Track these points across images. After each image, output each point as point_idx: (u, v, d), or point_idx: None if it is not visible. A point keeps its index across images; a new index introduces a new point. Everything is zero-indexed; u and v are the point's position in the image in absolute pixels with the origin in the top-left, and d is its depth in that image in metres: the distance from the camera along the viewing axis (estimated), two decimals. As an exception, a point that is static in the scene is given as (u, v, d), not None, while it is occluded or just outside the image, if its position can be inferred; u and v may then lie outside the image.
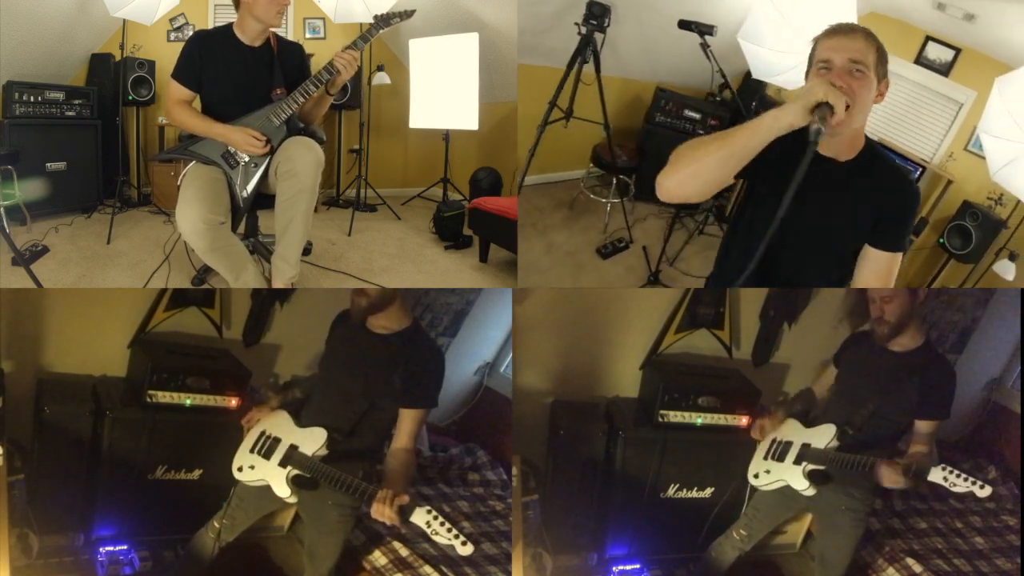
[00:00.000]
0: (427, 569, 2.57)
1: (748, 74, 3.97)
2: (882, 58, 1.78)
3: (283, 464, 2.25)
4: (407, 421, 2.22)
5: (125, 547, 2.62)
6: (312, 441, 2.24)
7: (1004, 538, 3.04)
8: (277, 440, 2.27)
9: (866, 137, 1.89)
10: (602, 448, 2.84)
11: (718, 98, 4.94)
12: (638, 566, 2.87)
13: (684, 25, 3.55)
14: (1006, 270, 3.78)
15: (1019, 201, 3.54)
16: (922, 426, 2.27)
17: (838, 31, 1.79)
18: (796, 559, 3.08)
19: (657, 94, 4.82)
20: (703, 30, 3.51)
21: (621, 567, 2.86)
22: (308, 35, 5.28)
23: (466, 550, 2.00)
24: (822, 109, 1.63)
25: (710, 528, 2.77)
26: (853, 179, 1.86)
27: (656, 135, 4.81)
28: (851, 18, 3.25)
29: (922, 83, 4.29)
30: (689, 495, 2.90)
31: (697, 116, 4.83)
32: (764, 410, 2.83)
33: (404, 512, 2.02)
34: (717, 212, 4.83)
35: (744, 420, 2.89)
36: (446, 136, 4.98)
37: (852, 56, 1.73)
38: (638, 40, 4.42)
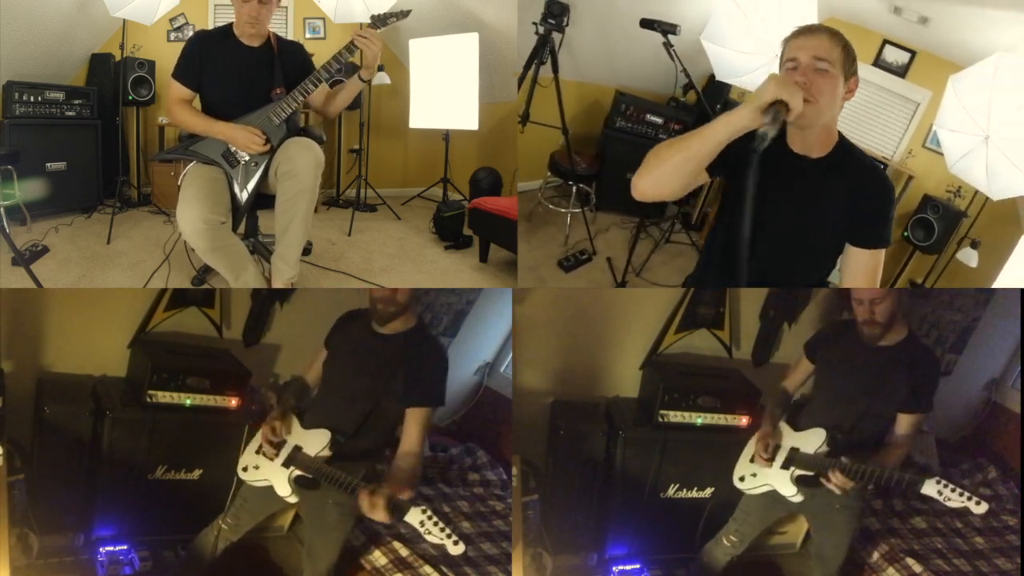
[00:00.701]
0: (427, 569, 2.57)
1: (712, 76, 3.97)
2: (849, 56, 1.80)
3: (286, 464, 2.26)
4: (413, 421, 2.20)
5: (125, 547, 2.62)
6: (316, 442, 2.25)
7: (1004, 538, 3.04)
8: (282, 442, 2.29)
9: (839, 134, 1.90)
10: (602, 448, 2.85)
11: (682, 100, 4.79)
12: (638, 566, 2.87)
13: (646, 24, 3.46)
14: (969, 257, 3.91)
15: (976, 191, 3.65)
16: (906, 419, 2.26)
17: (804, 31, 1.81)
18: (796, 559, 3.08)
19: (617, 98, 4.64)
20: (666, 29, 3.43)
21: (621, 567, 2.86)
22: (308, 35, 5.28)
23: (457, 549, 2.00)
24: (775, 108, 1.64)
25: (710, 528, 2.78)
26: (826, 175, 1.87)
27: (616, 140, 4.64)
28: (812, 17, 3.32)
29: (881, 84, 4.46)
30: (689, 495, 2.90)
31: (659, 120, 4.62)
32: (763, 414, 2.83)
33: (399, 511, 2.02)
34: (683, 219, 4.72)
35: (744, 420, 2.89)
36: (446, 136, 4.98)
37: (816, 54, 1.75)
38: (597, 41, 4.33)
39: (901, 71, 4.34)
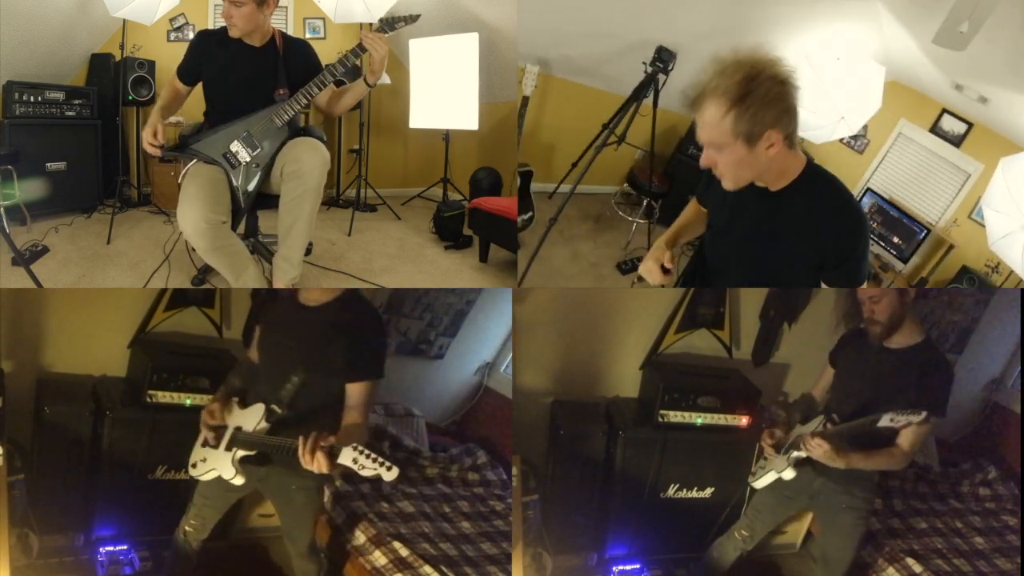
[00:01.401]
0: (427, 569, 2.57)
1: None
2: (744, 120, 1.61)
3: (228, 448, 2.21)
4: (354, 396, 2.13)
5: (125, 547, 2.63)
6: (251, 418, 2.19)
7: (1004, 538, 3.04)
8: (223, 427, 2.24)
9: (808, 164, 1.80)
10: (602, 448, 2.85)
11: None
12: (638, 566, 2.87)
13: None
14: None
15: (1012, 271, 3.64)
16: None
17: (693, 103, 1.68)
18: (796, 559, 3.08)
19: (692, 128, 4.86)
20: None
21: (621, 567, 2.86)
22: (308, 35, 5.28)
23: (391, 475, 1.92)
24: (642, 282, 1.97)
25: (710, 528, 2.78)
26: (783, 207, 1.81)
27: (684, 165, 4.95)
28: (877, 93, 3.65)
29: (934, 151, 4.57)
30: (689, 495, 2.90)
31: None
32: (770, 418, 2.83)
33: (331, 455, 1.96)
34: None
35: (744, 420, 2.90)
36: (446, 136, 4.98)
37: (705, 137, 1.70)
38: (681, 80, 4.59)
39: (956, 141, 4.41)
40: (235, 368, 2.40)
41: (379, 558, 2.62)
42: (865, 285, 1.92)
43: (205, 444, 2.27)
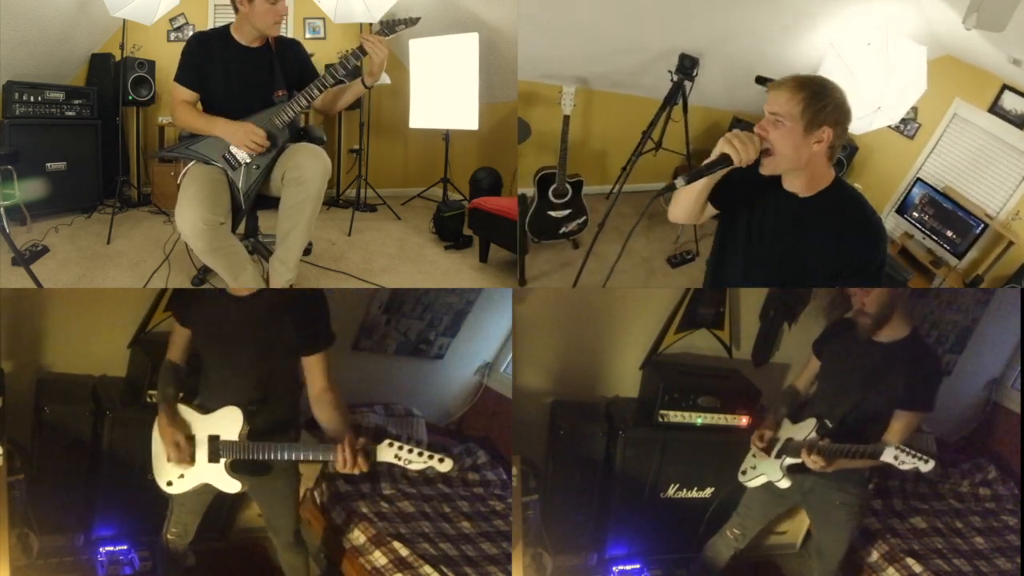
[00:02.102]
0: (427, 569, 2.57)
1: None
2: (813, 108, 1.85)
3: (213, 459, 2.17)
4: (314, 367, 2.17)
5: (125, 547, 2.63)
6: (228, 424, 2.16)
7: (1004, 538, 3.04)
8: (190, 438, 2.19)
9: (836, 179, 1.98)
10: (602, 448, 2.85)
11: None
12: (638, 566, 2.87)
13: (760, 81, 3.91)
14: None
15: None
16: (902, 416, 2.26)
17: (773, 86, 1.93)
18: (796, 559, 3.08)
19: (733, 123, 5.01)
20: None
21: (621, 567, 2.86)
22: (308, 35, 5.28)
23: (445, 467, 1.96)
24: (724, 159, 1.88)
25: (710, 528, 2.78)
26: (811, 213, 1.96)
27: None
28: (921, 74, 3.38)
29: (994, 133, 4.04)
30: (689, 495, 2.90)
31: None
32: (765, 416, 2.83)
33: (368, 455, 1.98)
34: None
35: (744, 420, 2.90)
36: (446, 136, 4.98)
37: (772, 109, 1.89)
38: (721, 79, 4.68)
39: (1020, 121, 3.89)
40: (162, 376, 2.29)
41: (379, 558, 2.62)
42: None
43: (169, 460, 2.20)
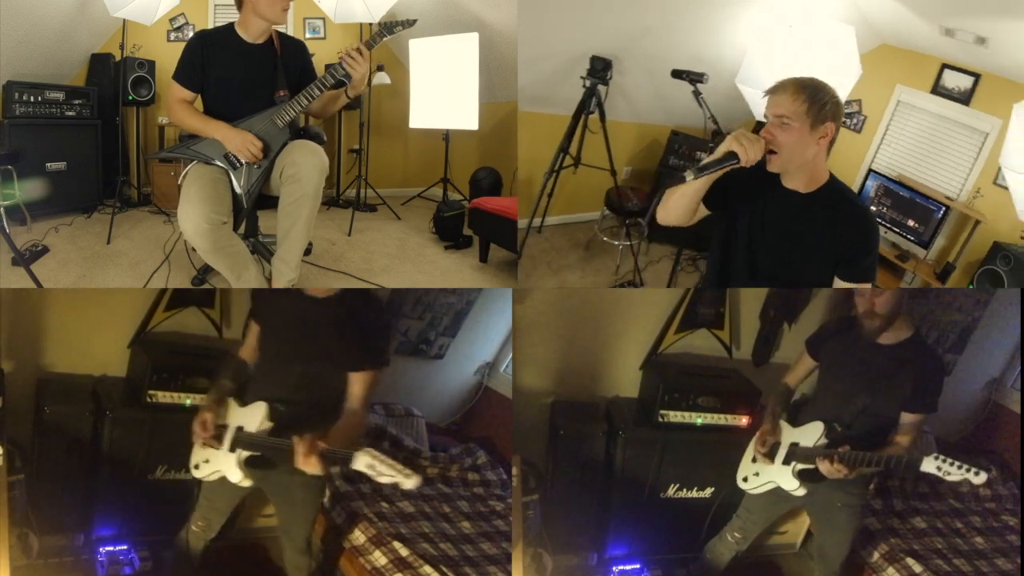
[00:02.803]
0: (427, 569, 2.57)
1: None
2: (816, 105, 1.94)
3: (232, 449, 2.20)
4: (357, 384, 2.16)
5: (125, 547, 2.63)
6: (254, 417, 2.19)
7: (1004, 538, 3.04)
8: (224, 427, 2.23)
9: (831, 176, 2.08)
10: (602, 448, 2.85)
11: (713, 144, 4.62)
12: (638, 566, 2.87)
13: (676, 75, 3.59)
14: None
15: None
16: (908, 418, 2.26)
17: (772, 90, 2.01)
18: (796, 559, 3.08)
19: (671, 138, 4.85)
20: (694, 78, 3.53)
21: (621, 567, 2.86)
22: (308, 35, 5.29)
23: (411, 483, 1.92)
24: (731, 157, 1.92)
25: (710, 528, 2.78)
26: (812, 208, 2.05)
27: (669, 177, 4.51)
28: (850, 53, 3.22)
29: (942, 114, 4.00)
30: (689, 495, 2.90)
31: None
32: (765, 416, 2.83)
33: (343, 461, 1.98)
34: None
35: (744, 420, 2.90)
36: (446, 136, 4.98)
37: (776, 112, 1.97)
38: (649, 87, 4.48)
39: (964, 97, 3.87)
40: (224, 369, 2.36)
41: (379, 558, 2.62)
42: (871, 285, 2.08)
43: (206, 445, 2.26)
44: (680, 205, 2.11)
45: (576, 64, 3.97)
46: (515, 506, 2.59)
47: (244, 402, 2.25)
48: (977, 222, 3.90)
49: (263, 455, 2.19)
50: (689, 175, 1.94)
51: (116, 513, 2.64)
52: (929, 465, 2.09)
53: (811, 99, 1.94)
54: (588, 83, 3.90)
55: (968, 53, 3.75)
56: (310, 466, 2.00)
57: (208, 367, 2.69)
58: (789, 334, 3.19)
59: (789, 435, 2.46)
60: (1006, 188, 3.35)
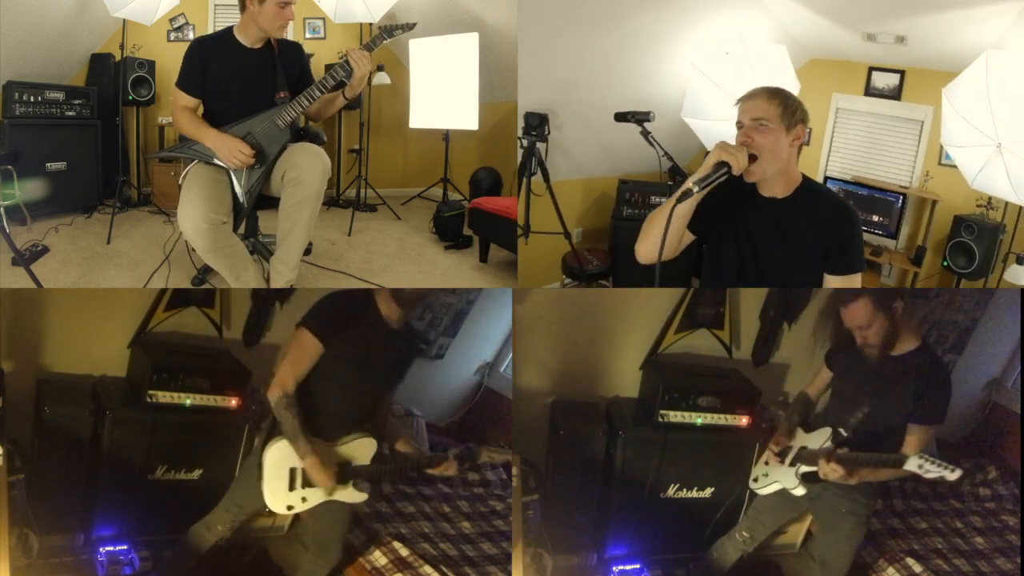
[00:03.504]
0: (427, 569, 2.57)
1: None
2: (789, 110, 2.02)
3: (342, 482, 2.31)
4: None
5: (125, 547, 2.62)
6: (363, 451, 2.32)
7: (1004, 538, 3.04)
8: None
9: (803, 176, 2.14)
10: (602, 448, 2.84)
11: (672, 182, 4.32)
12: (638, 566, 2.87)
13: (620, 117, 3.56)
14: (1018, 275, 3.63)
15: (1007, 203, 3.48)
16: (915, 430, 2.27)
17: (745, 97, 2.08)
18: (796, 559, 3.07)
19: (620, 187, 4.61)
20: (640, 118, 3.53)
21: (621, 567, 2.86)
22: (308, 35, 5.29)
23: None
24: (722, 167, 1.94)
25: (710, 528, 2.78)
26: (792, 211, 2.11)
27: (625, 229, 4.45)
28: (786, 71, 3.40)
29: (878, 112, 4.36)
30: (689, 495, 2.89)
31: (665, 200, 4.33)
32: (770, 421, 2.83)
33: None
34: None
35: (744, 420, 2.89)
36: (446, 136, 4.98)
37: (754, 115, 2.03)
38: (590, 139, 4.39)
39: (894, 93, 4.26)
40: (289, 410, 2.22)
41: (379, 558, 2.62)
42: (860, 277, 2.13)
43: (300, 486, 2.31)
44: (667, 237, 2.02)
45: (513, 121, 3.83)
46: (515, 506, 2.59)
47: (332, 436, 2.29)
48: (935, 202, 4.16)
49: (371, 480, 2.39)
50: (695, 187, 1.93)
51: (116, 513, 2.63)
52: (912, 464, 2.15)
53: (784, 103, 2.03)
54: (525, 142, 3.73)
55: (891, 53, 4.07)
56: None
57: (208, 367, 2.70)
58: (789, 334, 3.19)
59: (800, 439, 2.48)
60: (952, 166, 3.76)
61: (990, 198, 3.76)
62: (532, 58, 3.68)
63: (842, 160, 4.67)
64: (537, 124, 3.74)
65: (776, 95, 2.04)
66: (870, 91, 4.35)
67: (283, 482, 2.28)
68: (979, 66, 2.89)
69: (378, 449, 2.32)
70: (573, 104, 4.01)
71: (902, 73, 4.17)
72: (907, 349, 2.29)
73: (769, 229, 2.13)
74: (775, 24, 3.99)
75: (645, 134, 3.55)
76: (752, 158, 2.00)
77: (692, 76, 3.63)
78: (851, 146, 4.61)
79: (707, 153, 2.05)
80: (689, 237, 2.20)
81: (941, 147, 4.04)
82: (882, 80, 4.28)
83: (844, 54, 4.30)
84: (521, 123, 3.74)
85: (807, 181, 2.15)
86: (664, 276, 2.02)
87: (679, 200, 1.98)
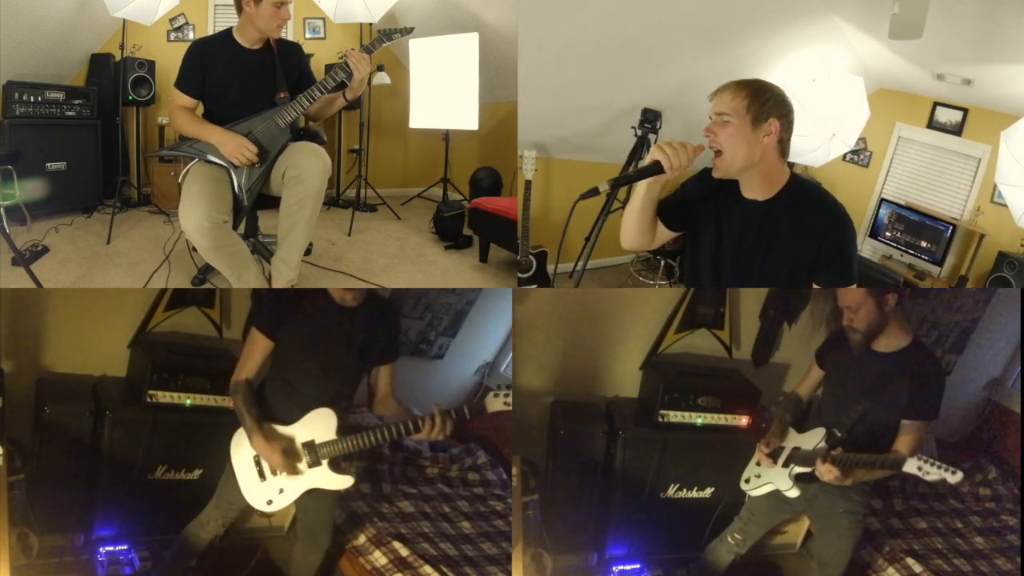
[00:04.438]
0: (427, 569, 2.57)
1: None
2: (758, 101, 1.89)
3: (315, 463, 2.30)
4: (385, 374, 2.44)
5: (125, 547, 2.63)
6: (322, 426, 2.30)
7: (1004, 538, 3.04)
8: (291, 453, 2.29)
9: (792, 175, 1.99)
10: (602, 448, 2.85)
11: None
12: (638, 566, 2.87)
13: None
14: None
15: None
16: (908, 425, 2.26)
17: (714, 93, 1.97)
18: (796, 559, 3.08)
19: (698, 176, 4.85)
20: None
21: (621, 567, 2.86)
22: (308, 35, 5.29)
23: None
24: (655, 166, 1.90)
25: (710, 528, 2.78)
26: (773, 214, 1.96)
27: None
28: (862, 98, 3.71)
29: (938, 145, 4.49)
30: (689, 495, 2.90)
31: None
32: (765, 416, 2.83)
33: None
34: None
35: (744, 420, 2.90)
36: (446, 136, 4.98)
37: (717, 110, 1.93)
38: (684, 135, 4.59)
39: (956, 129, 4.36)
40: (246, 399, 2.33)
41: (379, 558, 2.62)
42: (855, 286, 2.02)
43: (268, 474, 2.33)
44: (630, 227, 2.07)
45: (622, 117, 4.26)
46: (515, 506, 2.59)
47: (290, 419, 2.32)
48: (982, 236, 4.29)
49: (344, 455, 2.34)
50: (604, 185, 1.92)
51: (116, 513, 2.63)
52: (911, 466, 2.14)
53: (752, 95, 1.89)
54: (639, 132, 4.15)
55: (956, 92, 4.27)
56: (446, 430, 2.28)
57: (208, 367, 2.70)
58: (789, 334, 3.20)
59: (793, 440, 2.47)
60: (1003, 205, 3.97)
61: (1035, 238, 3.91)
62: (653, 63, 4.09)
63: (898, 185, 4.86)
64: (652, 119, 4.14)
65: (744, 87, 1.91)
66: (933, 124, 4.50)
67: (252, 472, 2.33)
68: (1038, 113, 3.09)
69: (340, 421, 2.30)
70: (678, 108, 4.24)
71: (965, 111, 4.29)
72: (899, 346, 2.28)
73: (749, 233, 1.99)
74: (854, 57, 4.21)
75: None
76: (718, 153, 1.92)
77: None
78: (908, 173, 4.78)
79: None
80: (665, 234, 2.12)
81: (995, 185, 4.14)
82: (945, 115, 4.41)
83: (911, 88, 4.48)
84: (638, 117, 4.17)
85: (794, 181, 1.98)
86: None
87: (581, 196, 1.94)
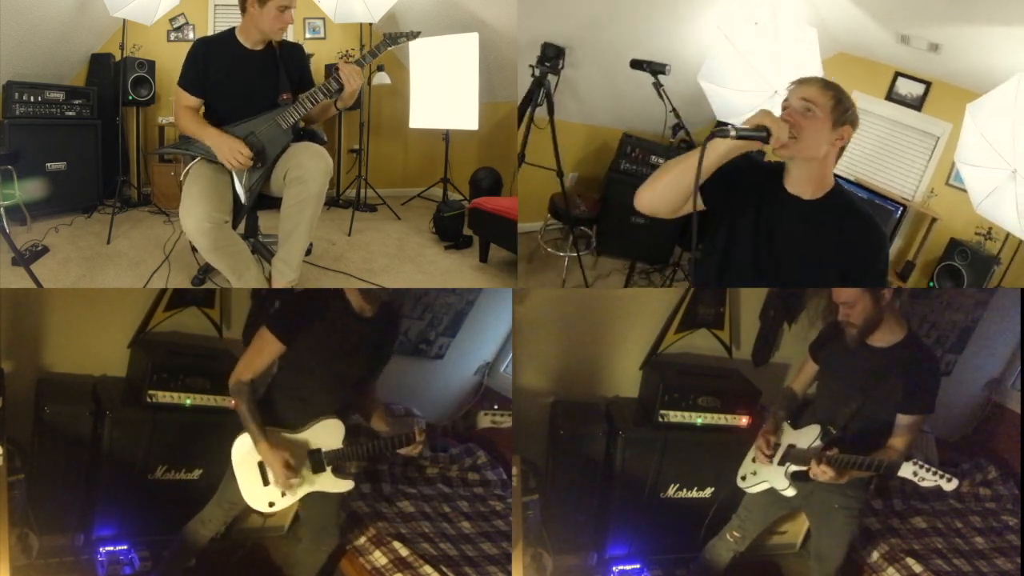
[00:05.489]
0: (427, 569, 2.57)
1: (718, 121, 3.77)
2: (841, 106, 1.92)
3: (319, 469, 2.33)
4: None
5: (125, 547, 2.63)
6: (329, 435, 2.32)
7: (1004, 538, 3.04)
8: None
9: (836, 182, 2.00)
10: (602, 448, 2.85)
11: (674, 140, 4.10)
12: (638, 566, 2.87)
13: (636, 65, 3.47)
14: None
15: (1008, 234, 3.38)
16: (903, 420, 2.26)
17: (800, 81, 1.98)
18: (796, 559, 3.08)
19: (623, 140, 4.45)
20: (656, 69, 3.42)
21: (621, 567, 2.86)
22: (308, 35, 5.28)
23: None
24: (761, 130, 1.81)
25: (707, 526, 2.78)
26: (815, 217, 1.97)
27: (620, 183, 4.34)
28: (814, 55, 3.30)
29: (896, 119, 4.25)
30: (689, 495, 2.90)
31: (664, 162, 4.16)
32: (765, 416, 2.83)
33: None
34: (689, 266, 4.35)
35: (744, 420, 2.90)
36: (446, 136, 4.98)
37: (804, 96, 1.92)
38: (601, 84, 4.23)
39: (916, 103, 4.12)
40: (250, 403, 2.31)
41: (379, 558, 2.62)
42: None
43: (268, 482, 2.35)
44: (675, 188, 1.92)
45: (527, 53, 3.68)
46: (515, 506, 2.59)
47: (298, 425, 2.33)
48: (933, 220, 4.05)
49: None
50: (732, 131, 1.80)
51: (116, 513, 2.64)
52: (907, 470, 2.14)
53: (838, 97, 1.93)
54: (537, 72, 3.58)
55: (920, 61, 3.95)
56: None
57: (208, 367, 2.70)
58: (789, 334, 3.20)
59: (788, 437, 2.47)
60: (959, 188, 3.75)
61: (991, 228, 3.69)
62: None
63: (848, 159, 4.53)
64: (553, 56, 3.58)
65: (831, 87, 1.95)
66: (892, 95, 4.25)
67: (255, 475, 2.33)
68: (1010, 87, 2.76)
69: (347, 432, 2.33)
70: (592, 44, 3.84)
71: (928, 84, 4.07)
72: (893, 341, 2.27)
73: (788, 226, 1.99)
74: (809, 6, 3.82)
75: (658, 86, 3.43)
76: (791, 137, 1.87)
77: (716, 40, 3.45)
78: (861, 147, 4.51)
79: (717, 123, 1.99)
80: (688, 204, 1.92)
81: (952, 167, 3.94)
82: (906, 87, 4.17)
83: (873, 53, 4.16)
84: (537, 52, 3.59)
85: (839, 189, 2.01)
86: (649, 242, 1.95)
87: (712, 136, 1.81)
